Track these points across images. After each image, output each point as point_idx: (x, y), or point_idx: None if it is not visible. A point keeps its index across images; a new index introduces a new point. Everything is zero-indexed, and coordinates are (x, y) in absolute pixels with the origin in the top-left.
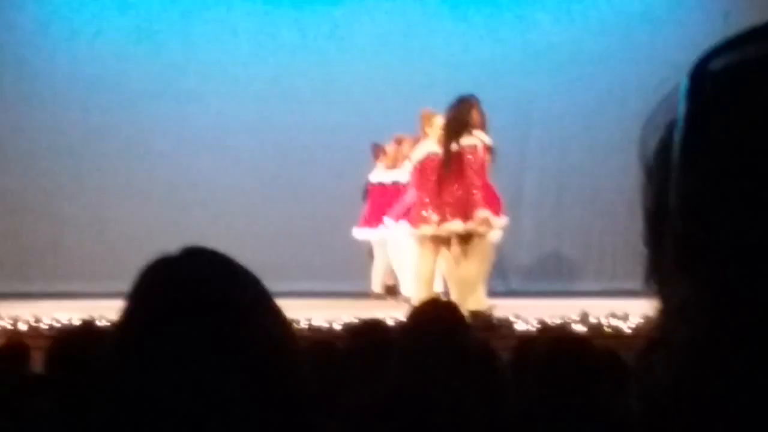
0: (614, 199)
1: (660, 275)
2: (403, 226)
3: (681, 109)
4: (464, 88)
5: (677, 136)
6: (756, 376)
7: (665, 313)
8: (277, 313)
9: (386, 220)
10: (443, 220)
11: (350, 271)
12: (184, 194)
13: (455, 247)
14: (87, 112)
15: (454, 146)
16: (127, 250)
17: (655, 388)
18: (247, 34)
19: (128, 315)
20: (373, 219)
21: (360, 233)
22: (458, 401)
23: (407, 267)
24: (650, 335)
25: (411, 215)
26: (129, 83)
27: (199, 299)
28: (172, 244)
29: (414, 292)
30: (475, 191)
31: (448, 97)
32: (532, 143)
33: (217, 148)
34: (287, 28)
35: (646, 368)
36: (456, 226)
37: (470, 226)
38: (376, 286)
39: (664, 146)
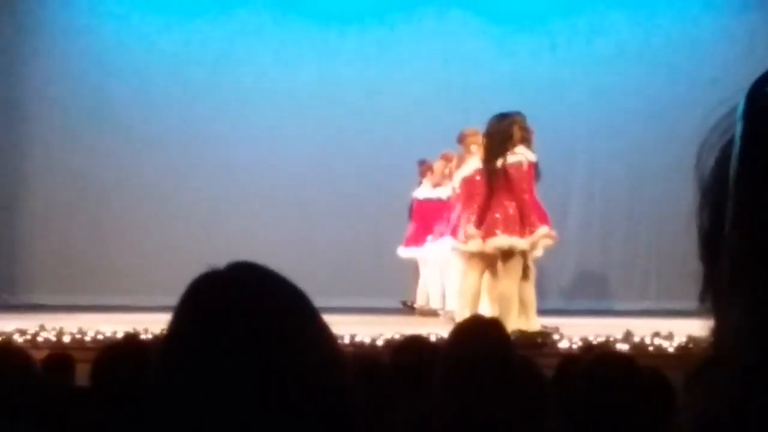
0: (659, 218)
1: (715, 294)
2: (449, 243)
3: (738, 129)
4: (509, 106)
5: (734, 157)
6: None
7: (720, 332)
8: (323, 329)
9: (431, 238)
10: (490, 236)
11: (394, 288)
12: (229, 210)
13: (500, 265)
14: (132, 129)
15: (499, 162)
16: (171, 265)
17: (709, 408)
18: (294, 50)
19: (175, 328)
20: (419, 236)
21: (405, 252)
22: (501, 418)
23: (453, 284)
24: (703, 354)
25: (456, 232)
26: (172, 100)
27: (246, 314)
28: (216, 259)
29: (459, 310)
30: (527, 210)
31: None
32: (577, 162)
33: (263, 164)
34: (334, 44)
35: (700, 388)
36: (503, 241)
37: (521, 243)
38: (421, 301)
39: (721, 166)
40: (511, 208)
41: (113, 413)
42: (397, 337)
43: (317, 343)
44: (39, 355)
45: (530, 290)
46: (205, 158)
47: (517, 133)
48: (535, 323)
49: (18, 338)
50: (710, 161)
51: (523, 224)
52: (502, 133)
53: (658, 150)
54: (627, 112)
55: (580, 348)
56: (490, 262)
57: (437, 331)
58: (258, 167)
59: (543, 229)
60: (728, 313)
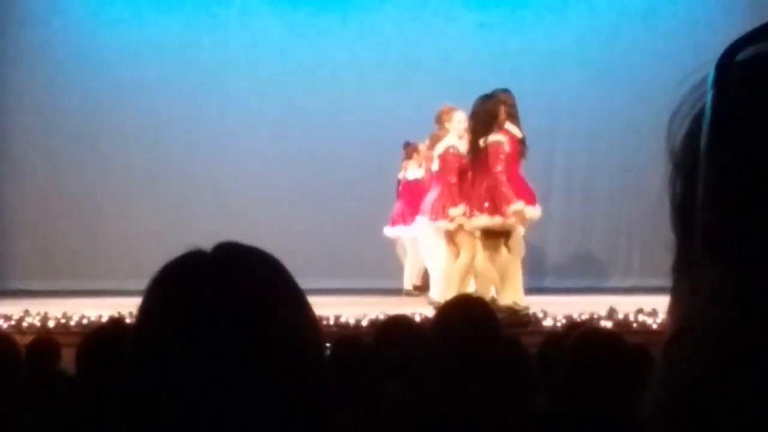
0: (642, 196)
1: (688, 265)
2: (425, 222)
3: (708, 99)
4: (492, 85)
5: (704, 126)
6: None
7: (693, 301)
8: (305, 309)
9: (418, 218)
10: (470, 215)
11: (380, 269)
12: (214, 193)
13: (478, 243)
14: (117, 114)
15: (481, 142)
16: (155, 249)
17: (684, 375)
18: (276, 34)
19: (155, 307)
20: (406, 216)
21: (391, 231)
22: (486, 396)
23: (434, 265)
24: (678, 324)
25: (432, 210)
26: (157, 86)
27: (225, 291)
28: (200, 241)
29: (440, 289)
30: (504, 188)
31: (478, 94)
32: (559, 141)
33: (248, 147)
34: (316, 26)
35: (671, 359)
36: (482, 221)
37: (498, 221)
38: (408, 284)
39: (692, 136)
40: (491, 186)
41: (98, 397)
42: (381, 317)
43: (298, 324)
44: (24, 340)
45: (515, 266)
46: (190, 142)
47: (502, 112)
48: (520, 299)
49: (2, 324)
50: (681, 132)
51: (499, 202)
52: (488, 113)
53: (641, 126)
54: (612, 88)
55: (564, 326)
56: (473, 240)
57: (421, 311)
58: (243, 151)
59: (518, 205)
60: (700, 283)
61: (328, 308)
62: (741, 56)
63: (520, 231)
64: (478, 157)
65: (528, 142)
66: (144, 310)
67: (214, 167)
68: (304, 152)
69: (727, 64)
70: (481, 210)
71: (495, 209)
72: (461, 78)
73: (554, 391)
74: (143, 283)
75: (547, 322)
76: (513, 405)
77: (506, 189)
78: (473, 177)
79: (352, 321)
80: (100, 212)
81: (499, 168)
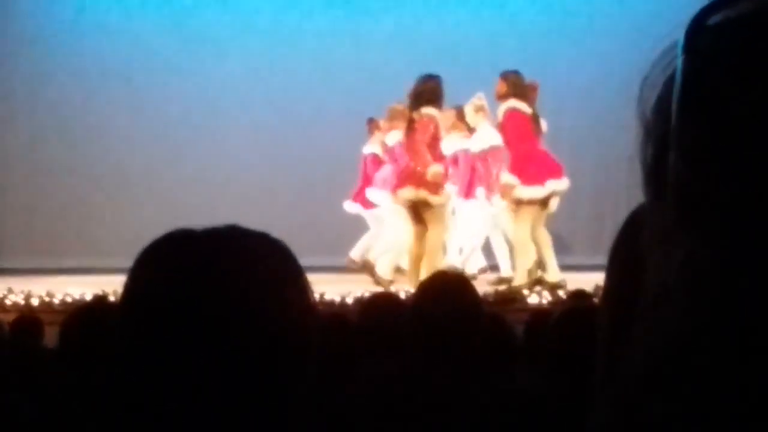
0: (628, 172)
1: (662, 230)
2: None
3: (678, 64)
4: (462, 63)
5: (676, 91)
6: (762, 329)
7: (667, 268)
8: (302, 287)
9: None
10: (399, 188)
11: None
12: (196, 171)
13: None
14: (101, 92)
15: (415, 115)
16: (140, 227)
17: (664, 341)
18: (262, 13)
19: (141, 284)
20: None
21: (351, 207)
22: (470, 374)
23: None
24: (653, 290)
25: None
26: (141, 67)
27: (217, 271)
28: (183, 219)
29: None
30: (423, 157)
31: (446, 71)
32: (543, 115)
33: (229, 126)
34: (282, 8)
35: (651, 323)
36: (407, 194)
37: (422, 194)
38: (356, 254)
39: (663, 101)
40: (413, 160)
41: (82, 375)
42: (366, 294)
43: (290, 304)
44: (7, 318)
45: (434, 241)
46: (175, 120)
47: (442, 92)
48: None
49: None
50: (652, 97)
51: (422, 176)
52: (431, 91)
53: (629, 102)
54: (589, 65)
55: (549, 303)
56: (415, 214)
57: (407, 288)
58: (226, 130)
59: (436, 167)
60: (673, 248)
61: (313, 286)
62: (711, 21)
63: (443, 206)
64: (412, 129)
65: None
66: (130, 286)
67: (198, 146)
68: (287, 129)
69: (697, 29)
70: (404, 184)
71: (423, 183)
72: (433, 56)
73: (539, 367)
74: (127, 262)
75: (533, 300)
76: (495, 381)
77: (426, 159)
78: (407, 150)
79: (337, 299)
80: (84, 190)
81: (421, 138)
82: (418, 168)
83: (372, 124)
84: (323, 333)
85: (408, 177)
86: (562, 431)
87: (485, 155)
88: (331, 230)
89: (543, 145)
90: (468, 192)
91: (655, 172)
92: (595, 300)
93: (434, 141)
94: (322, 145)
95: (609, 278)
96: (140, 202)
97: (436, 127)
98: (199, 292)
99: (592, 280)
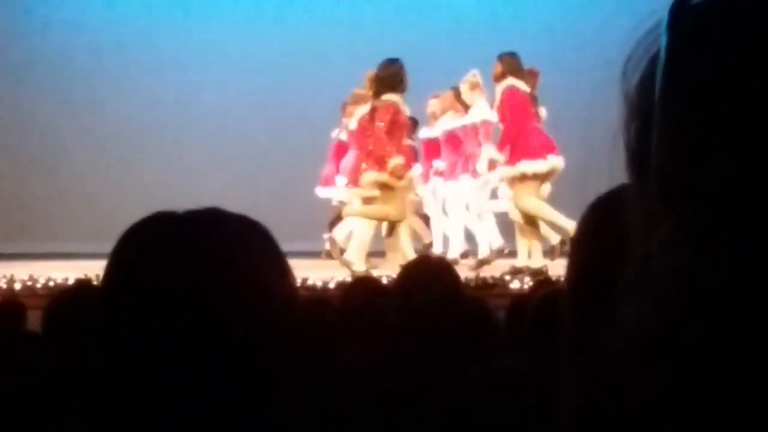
0: (611, 150)
1: (644, 209)
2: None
3: (662, 42)
4: (443, 46)
5: (659, 71)
6: (744, 308)
7: (648, 249)
8: (283, 269)
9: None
10: (360, 173)
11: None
12: (180, 155)
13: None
14: (89, 75)
15: (376, 102)
16: (123, 211)
17: (648, 322)
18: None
19: (123, 266)
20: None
21: (323, 192)
22: (452, 358)
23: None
24: (634, 269)
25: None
26: (130, 49)
27: (198, 252)
28: (165, 202)
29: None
30: (383, 145)
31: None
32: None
33: (216, 109)
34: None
35: (633, 304)
36: (369, 177)
37: (383, 177)
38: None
39: (646, 81)
40: (374, 146)
41: (65, 358)
42: (348, 279)
43: (272, 285)
44: None
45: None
46: (159, 103)
47: (406, 77)
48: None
49: None
50: (636, 76)
51: (383, 160)
52: (393, 76)
53: (612, 82)
54: (581, 40)
55: (531, 288)
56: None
57: (388, 272)
58: (211, 113)
59: (396, 160)
60: (656, 229)
61: (295, 271)
62: (695, 0)
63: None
64: (372, 116)
65: None
66: (112, 268)
67: (181, 129)
68: (270, 115)
69: (680, 7)
70: (370, 167)
71: (378, 166)
72: (404, 41)
73: (520, 353)
74: (110, 246)
75: (515, 285)
76: (476, 365)
77: (387, 147)
78: (368, 136)
79: (319, 283)
80: (67, 174)
81: (380, 125)
82: (379, 154)
83: (345, 109)
84: (306, 316)
85: (374, 163)
86: (543, 413)
87: (476, 130)
88: (314, 215)
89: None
90: (453, 172)
91: (638, 152)
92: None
93: (395, 128)
94: (304, 131)
95: (584, 258)
96: (123, 187)
97: (396, 113)
98: (181, 274)
99: None
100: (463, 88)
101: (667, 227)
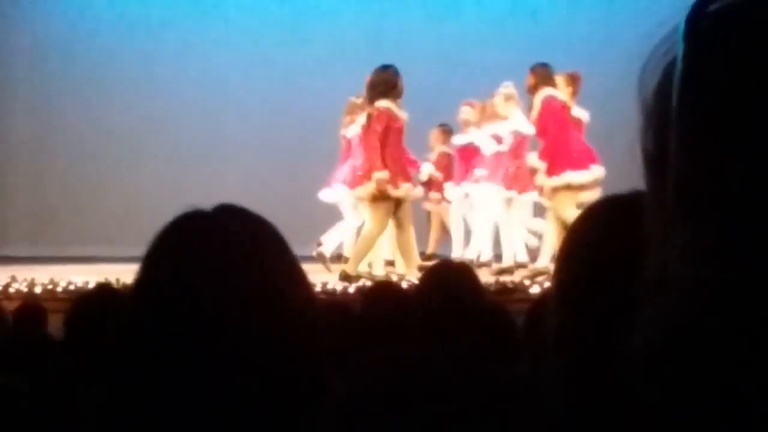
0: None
1: (661, 218)
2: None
3: (679, 51)
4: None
5: (676, 79)
6: (762, 317)
7: (667, 254)
8: (300, 275)
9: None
10: (357, 183)
11: None
12: (202, 162)
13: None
14: (105, 78)
15: (370, 109)
16: (142, 215)
17: (659, 330)
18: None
19: (154, 268)
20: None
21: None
22: (472, 363)
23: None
24: (653, 277)
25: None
26: (146, 48)
27: (226, 255)
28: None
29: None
30: (373, 155)
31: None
32: None
33: (237, 115)
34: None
35: (653, 311)
36: (363, 191)
37: (368, 188)
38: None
39: (663, 88)
40: (366, 154)
41: (87, 360)
42: (368, 284)
43: (294, 289)
44: (10, 306)
45: (404, 238)
46: (181, 111)
47: (400, 83)
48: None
49: None
50: (652, 83)
51: (371, 172)
52: (387, 82)
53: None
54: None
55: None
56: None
57: (409, 277)
58: (232, 120)
59: (382, 174)
60: (674, 236)
61: (315, 275)
62: (711, 7)
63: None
64: (368, 123)
65: None
66: (147, 272)
67: (202, 136)
68: (293, 121)
69: (697, 15)
70: (365, 178)
71: (366, 177)
72: (408, 42)
73: (539, 357)
74: (130, 250)
75: (534, 290)
76: (496, 370)
77: (376, 157)
78: (365, 145)
79: (339, 288)
80: (88, 179)
81: (375, 134)
82: (370, 165)
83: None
84: (325, 322)
85: (363, 174)
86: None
87: (514, 142)
88: (334, 221)
89: (583, 136)
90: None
91: (655, 160)
92: None
93: (390, 135)
94: (321, 137)
95: (579, 263)
96: (144, 192)
97: (391, 120)
98: (213, 274)
99: None
100: (498, 101)
101: (684, 235)
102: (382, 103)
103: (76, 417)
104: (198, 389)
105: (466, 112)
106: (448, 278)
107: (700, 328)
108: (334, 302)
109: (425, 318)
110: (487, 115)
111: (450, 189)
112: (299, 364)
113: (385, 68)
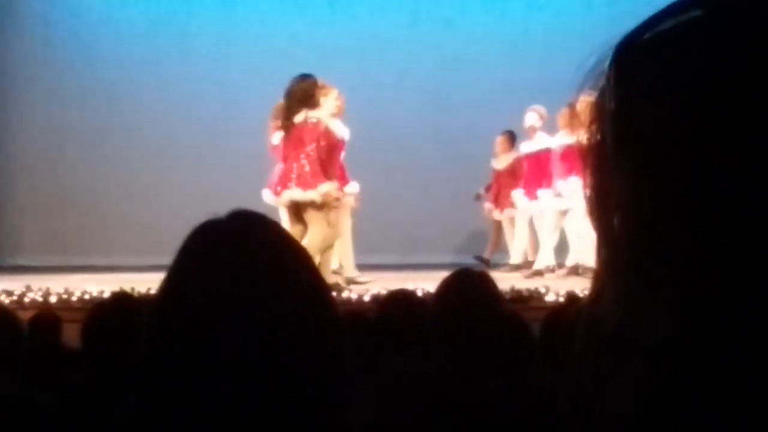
0: None
1: (621, 275)
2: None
3: (606, 83)
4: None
5: (608, 126)
6: (740, 372)
7: (629, 313)
8: (320, 282)
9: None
10: (284, 188)
11: (382, 244)
12: (214, 172)
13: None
14: (119, 87)
15: (296, 119)
16: (156, 226)
17: (633, 396)
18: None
19: (175, 278)
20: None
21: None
22: (489, 371)
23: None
24: (613, 337)
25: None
26: (159, 56)
27: (246, 263)
28: (200, 219)
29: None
30: (310, 163)
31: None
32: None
33: (247, 125)
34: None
35: (619, 378)
36: (293, 194)
37: (311, 195)
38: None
39: (598, 108)
40: (306, 163)
41: (103, 371)
42: (383, 292)
43: (317, 296)
44: (25, 315)
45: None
46: (193, 119)
47: (318, 92)
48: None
49: (4, 299)
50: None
51: (313, 179)
52: (305, 91)
53: None
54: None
55: (564, 301)
56: (296, 213)
57: (423, 285)
58: (242, 131)
59: (326, 186)
60: (636, 295)
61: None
62: (634, 41)
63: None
64: (290, 134)
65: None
66: (173, 282)
67: (214, 144)
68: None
69: (625, 47)
70: (298, 185)
71: (311, 185)
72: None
73: (556, 365)
74: (144, 260)
75: (550, 298)
76: (513, 379)
77: (314, 168)
78: (285, 153)
79: (354, 296)
80: (102, 189)
81: (310, 147)
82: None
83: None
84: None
85: (286, 179)
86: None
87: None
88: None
89: None
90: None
91: (599, 201)
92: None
93: (324, 147)
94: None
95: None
96: (158, 202)
97: (327, 130)
98: (241, 288)
99: None
100: (580, 107)
101: (646, 295)
102: (315, 114)
103: (92, 425)
104: (222, 400)
105: (530, 119)
106: (466, 287)
107: (671, 391)
108: (349, 311)
109: (443, 327)
110: (563, 122)
111: (518, 196)
112: (326, 373)
113: (304, 77)
